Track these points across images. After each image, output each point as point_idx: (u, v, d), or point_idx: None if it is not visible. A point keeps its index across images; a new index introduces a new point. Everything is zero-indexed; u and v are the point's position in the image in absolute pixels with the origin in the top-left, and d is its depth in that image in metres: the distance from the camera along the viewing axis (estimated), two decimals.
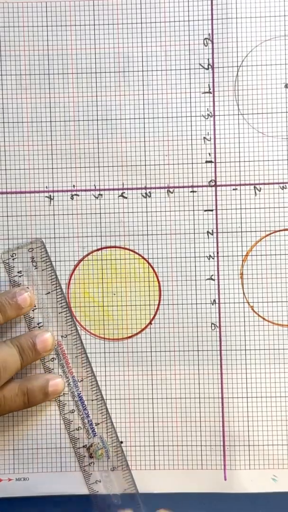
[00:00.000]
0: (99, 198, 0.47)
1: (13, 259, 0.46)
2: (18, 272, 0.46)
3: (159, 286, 0.46)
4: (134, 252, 0.46)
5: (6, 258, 0.46)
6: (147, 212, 0.46)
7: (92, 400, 0.46)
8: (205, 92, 0.46)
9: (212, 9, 0.46)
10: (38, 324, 0.46)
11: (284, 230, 0.46)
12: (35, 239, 0.46)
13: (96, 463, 0.46)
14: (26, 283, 0.46)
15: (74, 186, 0.47)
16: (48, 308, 0.46)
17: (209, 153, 0.46)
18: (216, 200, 0.46)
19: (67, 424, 0.46)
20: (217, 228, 0.46)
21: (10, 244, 0.46)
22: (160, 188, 0.46)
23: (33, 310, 0.46)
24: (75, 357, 0.46)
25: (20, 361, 0.44)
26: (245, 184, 0.46)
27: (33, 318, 0.46)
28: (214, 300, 0.46)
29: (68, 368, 0.46)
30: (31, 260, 0.46)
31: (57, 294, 0.46)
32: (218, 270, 0.46)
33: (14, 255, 0.46)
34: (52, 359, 0.46)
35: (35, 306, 0.46)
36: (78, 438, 0.46)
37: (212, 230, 0.46)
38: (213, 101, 0.46)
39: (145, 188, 0.46)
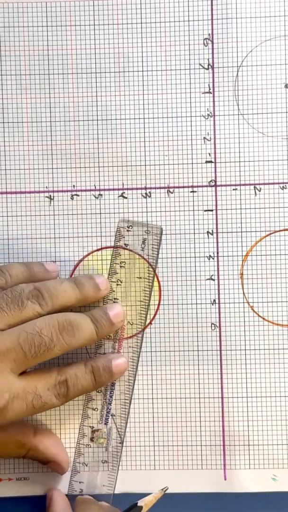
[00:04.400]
0: (99, 198, 0.46)
1: (127, 230, 0.46)
2: (124, 244, 0.46)
3: (159, 286, 0.46)
4: (134, 252, 0.46)
5: (122, 226, 0.46)
6: (147, 212, 0.46)
7: (121, 393, 0.46)
8: (205, 92, 0.46)
9: (212, 9, 0.46)
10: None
11: (284, 230, 0.46)
12: (156, 226, 0.46)
13: (91, 448, 0.45)
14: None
15: (74, 186, 0.47)
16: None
17: (209, 153, 0.46)
18: (216, 200, 0.46)
19: (88, 399, 0.46)
20: (217, 228, 0.46)
21: (10, 244, 0.46)
22: (160, 188, 0.46)
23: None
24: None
25: (95, 329, 0.43)
26: (245, 184, 0.46)
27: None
28: (214, 300, 0.46)
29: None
30: (142, 241, 0.46)
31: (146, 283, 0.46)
32: (218, 270, 0.46)
33: (130, 227, 0.46)
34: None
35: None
36: (90, 417, 0.46)
37: (212, 230, 0.46)
38: (213, 101, 0.46)
39: (145, 188, 0.46)
